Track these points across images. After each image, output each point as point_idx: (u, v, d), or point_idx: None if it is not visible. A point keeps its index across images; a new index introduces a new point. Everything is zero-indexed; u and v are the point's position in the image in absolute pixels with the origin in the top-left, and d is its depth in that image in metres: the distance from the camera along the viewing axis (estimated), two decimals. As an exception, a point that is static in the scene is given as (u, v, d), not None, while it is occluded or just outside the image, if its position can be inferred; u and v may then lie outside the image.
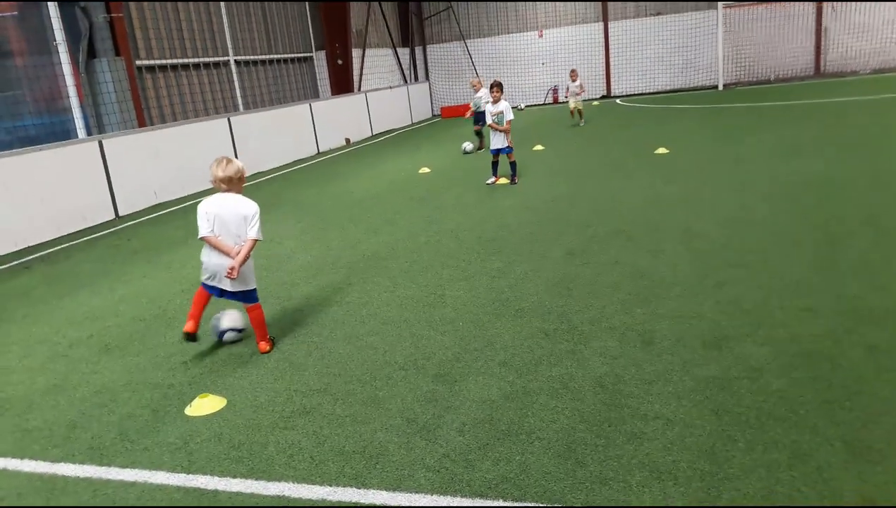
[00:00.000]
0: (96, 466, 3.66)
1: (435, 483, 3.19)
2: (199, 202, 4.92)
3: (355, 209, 10.01)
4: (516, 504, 2.97)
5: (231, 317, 5.20)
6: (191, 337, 4.89)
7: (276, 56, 18.34)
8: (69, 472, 3.64)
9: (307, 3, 19.83)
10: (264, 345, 4.96)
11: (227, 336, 5.16)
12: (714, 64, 23.80)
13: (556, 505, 2.93)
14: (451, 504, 3.02)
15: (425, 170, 12.92)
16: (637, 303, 5.14)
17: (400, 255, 7.22)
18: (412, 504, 3.05)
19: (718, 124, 15.10)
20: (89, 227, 10.69)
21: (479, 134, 14.62)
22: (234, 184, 4.80)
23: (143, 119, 12.67)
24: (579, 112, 17.69)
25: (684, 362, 4.12)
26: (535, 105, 26.04)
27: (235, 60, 16.55)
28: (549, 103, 26.09)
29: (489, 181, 10.79)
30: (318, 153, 17.59)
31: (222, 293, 4.92)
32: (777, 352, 4.10)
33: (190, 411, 4.17)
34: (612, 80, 25.72)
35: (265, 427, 3.91)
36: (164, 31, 14.29)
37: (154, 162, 12.09)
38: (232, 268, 4.70)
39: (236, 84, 16.44)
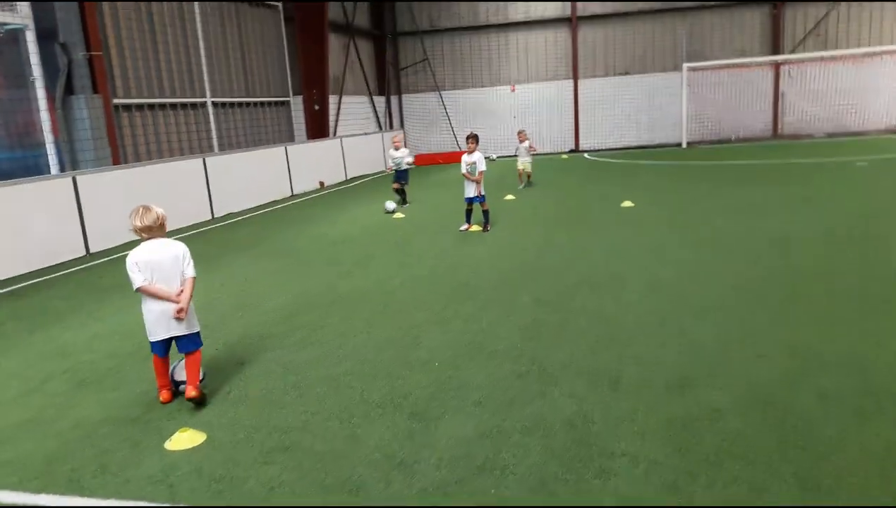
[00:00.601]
0: (77, 497, 3.71)
1: (413, 514, 3.32)
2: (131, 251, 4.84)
3: (329, 251, 10.17)
4: (491, 535, 3.12)
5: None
6: (170, 402, 4.90)
7: (253, 99, 18.62)
8: (49, 503, 3.68)
9: (286, 49, 20.24)
10: (194, 392, 4.75)
11: (181, 388, 5.00)
12: (679, 123, 24.73)
13: (528, 536, 3.08)
14: (429, 535, 3.15)
15: (399, 215, 13.17)
16: (603, 348, 5.37)
17: (374, 298, 7.38)
18: (391, 535, 3.18)
19: (682, 180, 15.70)
20: (59, 263, 10.64)
21: (399, 191, 14.61)
22: (155, 231, 4.82)
23: (117, 157, 12.75)
24: (527, 175, 16.54)
25: (649, 403, 4.33)
26: (508, 156, 26.64)
27: (213, 102, 16.77)
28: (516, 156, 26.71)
29: (462, 228, 11.05)
30: (293, 195, 17.76)
31: (170, 343, 4.88)
32: (735, 396, 4.34)
33: (170, 445, 4.23)
34: (580, 134, 26.53)
35: (245, 462, 3.99)
36: (143, 71, 14.47)
37: (127, 200, 12.08)
38: (180, 310, 4.72)
39: (213, 125, 16.63)
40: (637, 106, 25.76)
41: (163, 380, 4.95)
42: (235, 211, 15.32)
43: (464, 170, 10.79)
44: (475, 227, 10.98)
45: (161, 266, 4.78)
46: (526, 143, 16.47)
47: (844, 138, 22.95)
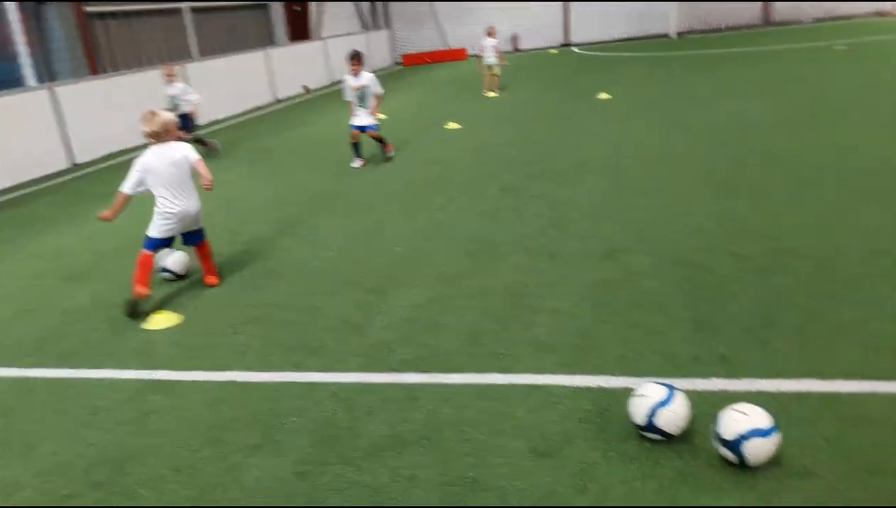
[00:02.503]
0: (66, 369, 4.27)
1: (361, 365, 3.89)
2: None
3: (307, 154, 10.52)
4: (423, 374, 3.69)
5: (175, 259, 5.58)
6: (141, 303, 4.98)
7: (231, 2, 18.40)
8: (41, 375, 4.24)
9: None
10: (215, 279, 5.36)
11: (165, 275, 5.55)
12: (668, 13, 24.29)
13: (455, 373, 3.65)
14: (371, 380, 3.72)
15: (381, 116, 13.38)
16: (552, 227, 5.86)
17: (348, 195, 7.82)
18: (340, 380, 3.75)
19: (664, 71, 15.76)
20: (46, 175, 10.97)
21: (198, 141, 10.53)
22: (162, 136, 4.99)
23: (95, 66, 12.85)
24: (494, 79, 14.86)
25: (579, 270, 4.85)
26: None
27: (190, 7, 16.63)
28: (509, 51, 26.42)
29: (355, 164, 9.15)
30: (276, 101, 17.88)
31: (186, 239, 5.22)
32: (656, 261, 4.85)
33: (149, 325, 4.77)
34: (570, 29, 26.13)
35: (218, 333, 4.55)
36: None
37: (108, 110, 12.33)
38: (210, 181, 4.99)
39: (190, 32, 16.55)
40: (627, -4, 25.25)
41: (146, 277, 4.97)
42: (218, 117, 15.51)
43: (349, 97, 8.88)
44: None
45: (160, 170, 4.95)
46: (493, 41, 14.67)
47: (831, 23, 22.63)
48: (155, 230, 5.06)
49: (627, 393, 3.18)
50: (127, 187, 5.01)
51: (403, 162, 9.18)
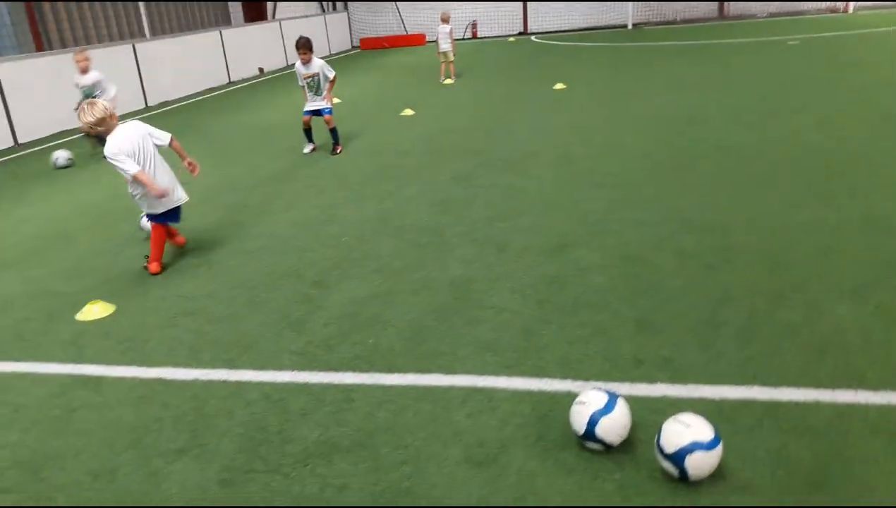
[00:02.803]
0: (-9, 361, 4.04)
1: (297, 363, 3.73)
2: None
3: (259, 138, 10.24)
4: (361, 374, 3.55)
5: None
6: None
7: (183, -18, 17.83)
8: (-35, 366, 4.00)
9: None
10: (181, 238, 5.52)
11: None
12: (625, 3, 24.38)
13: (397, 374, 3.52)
14: (307, 379, 3.56)
15: (336, 100, 13.11)
16: (501, 219, 5.75)
17: (298, 179, 7.60)
18: (274, 380, 3.59)
19: (620, 61, 15.78)
20: (-13, 155, 10.54)
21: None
22: (107, 122, 4.91)
23: (41, 44, 12.31)
24: (450, 66, 14.63)
25: (527, 264, 4.75)
26: (455, 39, 26.09)
27: (141, -15, 16.05)
28: (468, 38, 26.24)
29: (307, 149, 8.95)
30: (230, 82, 17.42)
31: (169, 215, 5.27)
32: (605, 256, 4.78)
33: (81, 316, 4.54)
34: (528, 16, 26.03)
35: (150, 326, 4.34)
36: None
37: (54, 89, 11.83)
38: (192, 164, 5.40)
39: (142, 10, 15.98)
40: (587, -15, 25.22)
41: (160, 252, 5.22)
42: (170, 99, 15.04)
43: (301, 84, 8.60)
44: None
45: (139, 148, 4.97)
46: (446, 27, 14.40)
47: (784, 18, 23.00)
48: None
49: (569, 397, 3.09)
50: (133, 169, 4.91)
51: (356, 148, 8.98)
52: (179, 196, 5.32)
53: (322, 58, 18.36)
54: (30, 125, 11.35)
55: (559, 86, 12.46)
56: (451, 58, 14.63)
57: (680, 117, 9.02)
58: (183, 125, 11.92)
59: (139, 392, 3.61)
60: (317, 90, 8.59)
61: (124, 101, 13.44)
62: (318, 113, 8.69)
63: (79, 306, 4.68)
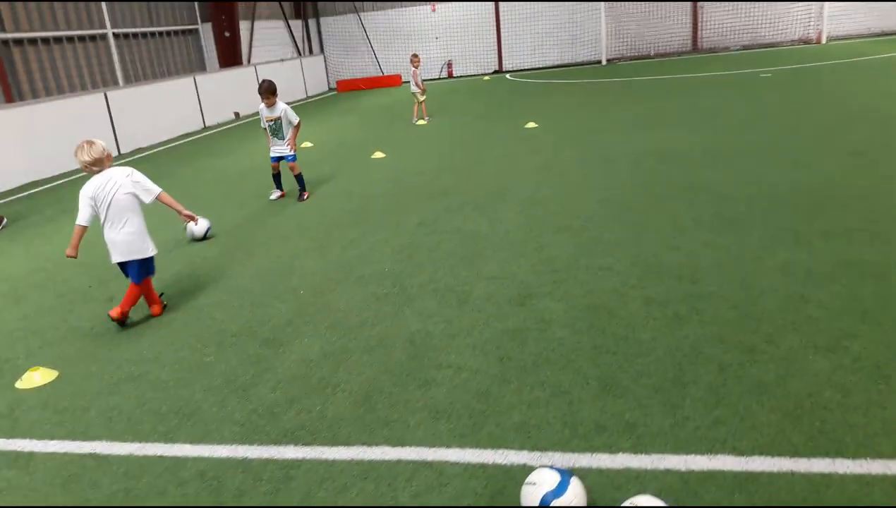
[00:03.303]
0: (-87, 438, 3.76)
1: (237, 435, 3.49)
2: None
3: (229, 184, 10.05)
4: (304, 448, 3.31)
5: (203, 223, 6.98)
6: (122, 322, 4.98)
7: (158, 28, 17.79)
8: None
9: (190, -27, 19.28)
10: (116, 313, 4.97)
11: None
12: (598, 39, 24.67)
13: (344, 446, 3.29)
14: (246, 454, 3.32)
15: (307, 144, 13.01)
16: (464, 266, 5.57)
17: (262, 228, 7.40)
18: (212, 454, 3.34)
19: (593, 98, 15.84)
20: (-52, 207, 10.27)
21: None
22: (103, 163, 4.92)
23: (9, 94, 12.14)
24: (422, 106, 14.54)
25: (488, 317, 4.56)
26: (430, 79, 26.28)
27: (114, 33, 15.97)
28: (444, 78, 26.40)
29: (273, 196, 8.74)
30: (205, 127, 17.29)
31: (124, 268, 5.06)
32: (570, 306, 4.60)
33: (20, 384, 4.29)
34: (503, 55, 26.26)
35: (91, 393, 4.09)
36: (34, 3, 13.64)
37: (23, 139, 11.64)
38: (190, 216, 5.38)
39: (115, 58, 15.89)
40: (558, 23, 25.47)
41: (148, 297, 5.20)
42: (144, 145, 14.87)
43: (263, 126, 8.46)
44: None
45: (109, 198, 4.86)
46: (412, 69, 14.28)
47: (758, 50, 23.35)
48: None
49: (525, 470, 2.89)
50: (82, 219, 4.86)
51: (324, 194, 8.81)
52: (117, 257, 5.00)
53: (298, 101, 17.99)
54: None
55: (531, 124, 12.42)
56: (421, 98, 14.59)
57: (650, 154, 8.95)
58: (154, 172, 11.68)
59: (70, 469, 3.36)
60: (278, 133, 8.45)
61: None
62: (281, 159, 8.60)
63: (20, 372, 4.43)
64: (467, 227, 6.66)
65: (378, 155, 11.03)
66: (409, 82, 14.96)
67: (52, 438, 3.65)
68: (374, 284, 5.40)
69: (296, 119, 8.43)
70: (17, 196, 10.79)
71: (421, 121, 14.46)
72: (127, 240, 4.94)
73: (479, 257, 5.76)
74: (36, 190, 11.10)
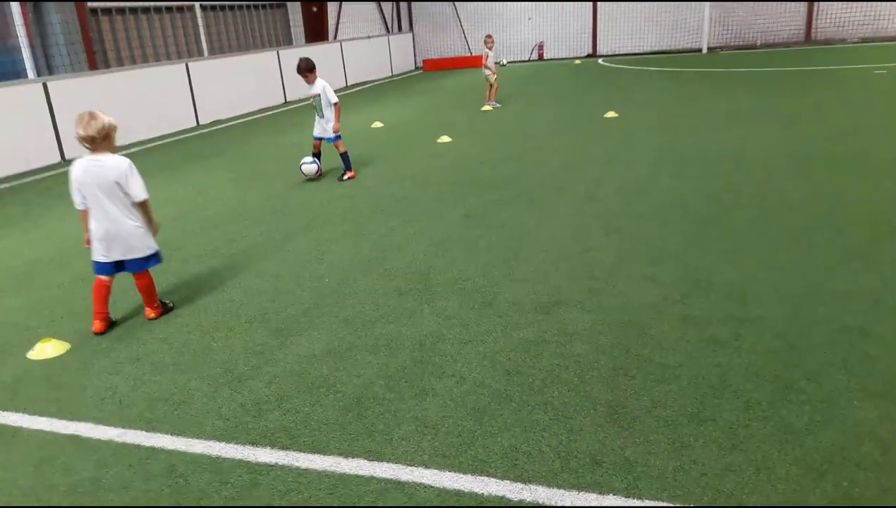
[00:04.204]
0: (-80, 401, 3.83)
1: (218, 430, 3.34)
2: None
3: (290, 162, 10.04)
4: (278, 452, 3.12)
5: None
6: (102, 334, 4.54)
7: (247, 2, 18.10)
8: None
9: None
10: (152, 314, 4.73)
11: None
12: (701, 25, 23.37)
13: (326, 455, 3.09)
14: (221, 452, 3.16)
15: (378, 124, 12.89)
16: (498, 265, 5.24)
17: (307, 209, 7.30)
18: (188, 450, 3.21)
19: (683, 89, 14.98)
20: (33, 169, 10.77)
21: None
22: (98, 143, 4.26)
23: (94, 62, 12.61)
24: (493, 90, 14.12)
25: (508, 324, 4.23)
26: (519, 61, 25.73)
27: (202, 5, 16.36)
28: (535, 60, 25.77)
29: (309, 170, 8.60)
30: (285, 102, 17.51)
31: (118, 267, 4.53)
32: (598, 319, 4.21)
33: (32, 354, 4.31)
34: (598, 38, 25.35)
35: (93, 371, 4.06)
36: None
37: (105, 106, 12.02)
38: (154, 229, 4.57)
39: (201, 30, 16.28)
40: (659, 7, 24.31)
41: (99, 306, 4.53)
42: (223, 118, 15.19)
43: (311, 100, 8.43)
44: (348, 174, 8.62)
45: (94, 187, 4.28)
46: (486, 51, 13.83)
47: (879, 43, 21.50)
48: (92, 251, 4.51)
49: (501, 503, 2.59)
50: (76, 203, 4.40)
51: (378, 177, 8.65)
52: (107, 253, 4.44)
53: (383, 79, 18.06)
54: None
55: (610, 114, 11.83)
56: (492, 81, 14.09)
57: (728, 156, 8.27)
58: (223, 144, 11.92)
59: (48, 451, 3.30)
60: (319, 111, 8.41)
61: (172, 120, 13.66)
62: (321, 140, 8.60)
63: (35, 342, 4.45)
64: (514, 222, 6.31)
65: (444, 139, 10.77)
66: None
67: (42, 415, 3.62)
68: (401, 278, 5.16)
69: (334, 98, 8.31)
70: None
71: (486, 107, 14.02)
72: (128, 232, 4.45)
73: (517, 256, 5.42)
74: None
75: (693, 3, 23.37)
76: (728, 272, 4.80)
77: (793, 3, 23.32)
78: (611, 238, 5.68)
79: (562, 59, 25.51)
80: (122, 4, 14.07)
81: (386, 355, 3.97)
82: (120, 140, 12.59)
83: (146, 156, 11.12)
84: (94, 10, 13.21)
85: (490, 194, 7.33)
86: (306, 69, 8.21)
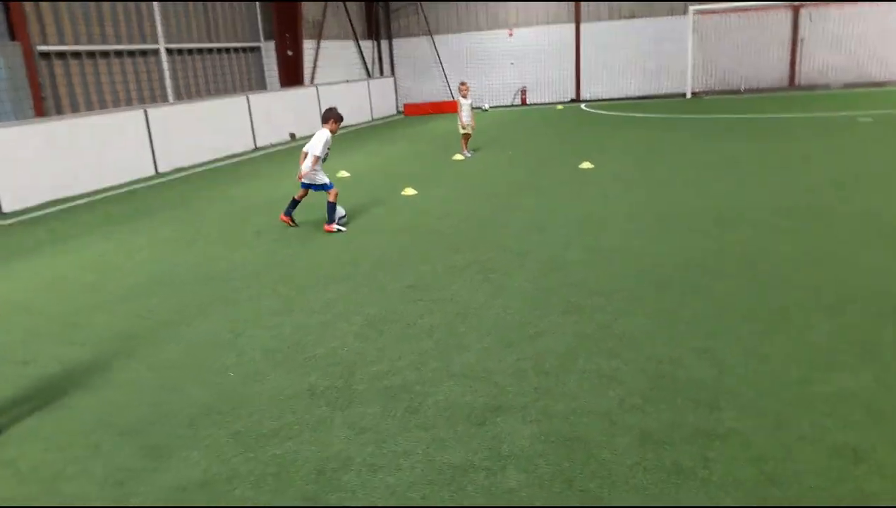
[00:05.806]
0: None
1: None
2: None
3: (236, 219, 9.30)
4: None
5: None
6: None
7: (217, 45, 17.60)
8: None
9: (257, -8, 19.11)
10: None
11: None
12: (685, 70, 23.05)
13: None
14: None
15: (344, 173, 12.22)
16: (436, 355, 4.49)
17: (239, 278, 6.53)
18: None
19: (664, 136, 14.44)
20: (-33, 224, 10.01)
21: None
22: None
23: (40, 109, 11.94)
24: (462, 140, 13.51)
25: (432, 442, 3.46)
26: (502, 106, 25.33)
27: (167, 48, 15.82)
28: (517, 105, 25.38)
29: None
30: (255, 148, 16.88)
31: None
32: (541, 433, 3.45)
33: None
34: (581, 83, 25.00)
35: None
36: (81, 13, 13.48)
37: (50, 155, 11.34)
38: None
39: (166, 74, 15.72)
40: (643, 52, 23.99)
41: None
42: (185, 165, 14.50)
43: (324, 154, 8.32)
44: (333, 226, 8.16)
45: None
46: (469, 100, 13.39)
47: (862, 89, 21.18)
48: None
49: None
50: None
51: (326, 235, 7.93)
52: None
53: (362, 123, 17.59)
54: (19, 193, 10.79)
55: (586, 165, 11.19)
56: (463, 131, 13.45)
57: (710, 213, 7.60)
58: (175, 197, 11.19)
59: None
60: (326, 160, 8.42)
61: (126, 169, 12.93)
62: (309, 187, 8.33)
63: None
64: (462, 296, 5.57)
65: (409, 191, 10.09)
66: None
67: None
68: (319, 371, 4.39)
69: (319, 151, 8.15)
70: (36, 214, 10.44)
71: (458, 157, 13.39)
72: None
73: (460, 343, 4.67)
74: (47, 211, 10.73)
75: (676, 48, 23.05)
76: (699, 366, 4.06)
77: (776, 50, 23.09)
78: (568, 318, 4.94)
79: (545, 103, 25.12)
80: (77, 48, 13.45)
81: (271, 491, 3.18)
82: (64, 191, 11.86)
83: (90, 209, 10.37)
84: (45, 54, 12.57)
85: (443, 260, 6.61)
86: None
